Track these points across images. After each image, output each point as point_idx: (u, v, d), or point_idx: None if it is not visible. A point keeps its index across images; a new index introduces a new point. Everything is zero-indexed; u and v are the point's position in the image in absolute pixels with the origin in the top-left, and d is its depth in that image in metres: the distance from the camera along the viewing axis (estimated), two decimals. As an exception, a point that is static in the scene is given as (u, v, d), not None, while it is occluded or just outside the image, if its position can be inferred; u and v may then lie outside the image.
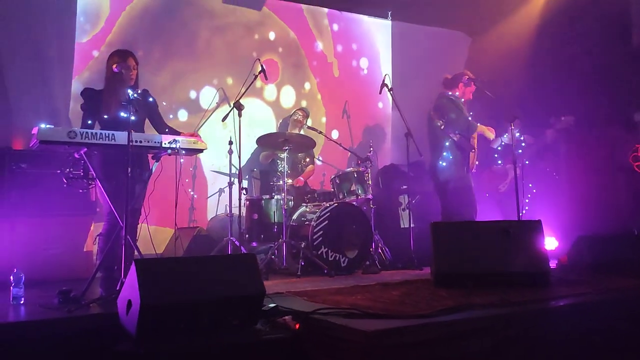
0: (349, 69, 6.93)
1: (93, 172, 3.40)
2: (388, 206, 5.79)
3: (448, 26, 7.11)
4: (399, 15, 6.93)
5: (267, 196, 5.05)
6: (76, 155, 3.40)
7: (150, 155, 3.75)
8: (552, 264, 4.02)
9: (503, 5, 6.48)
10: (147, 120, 3.87)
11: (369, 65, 7.04)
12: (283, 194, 4.74)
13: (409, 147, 5.12)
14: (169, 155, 3.60)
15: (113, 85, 3.62)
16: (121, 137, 3.33)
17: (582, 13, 5.91)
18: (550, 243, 5.41)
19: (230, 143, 4.77)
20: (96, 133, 3.32)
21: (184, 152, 3.59)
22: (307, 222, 4.74)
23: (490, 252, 3.55)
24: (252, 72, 4.85)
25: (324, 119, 6.70)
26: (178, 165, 3.94)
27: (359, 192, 4.99)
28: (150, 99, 3.81)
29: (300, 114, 5.70)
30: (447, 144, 5.08)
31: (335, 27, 6.84)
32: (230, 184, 4.84)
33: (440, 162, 5.10)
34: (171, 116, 5.64)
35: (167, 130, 3.80)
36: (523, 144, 5.72)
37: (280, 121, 6.28)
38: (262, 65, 4.78)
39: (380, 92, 5.35)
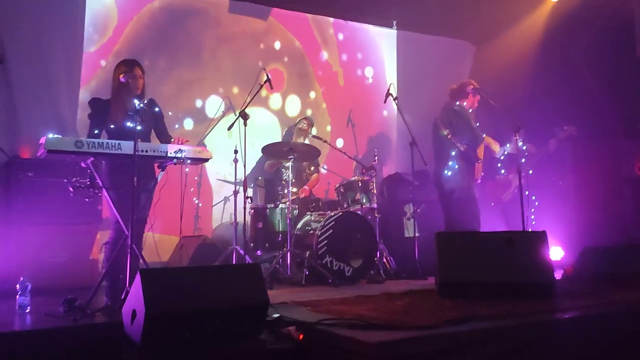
0: (354, 78, 6.95)
1: (100, 181, 3.43)
2: (393, 215, 5.77)
3: (453, 35, 7.12)
4: (404, 24, 6.94)
5: (272, 205, 5.07)
6: (83, 165, 3.43)
7: (155, 165, 3.77)
8: (558, 275, 4.00)
9: (508, 14, 6.48)
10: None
11: (374, 74, 7.06)
12: (288, 203, 4.76)
13: (414, 156, 5.12)
14: (175, 164, 3.63)
15: (120, 94, 3.65)
16: (127, 146, 3.36)
17: (587, 23, 5.91)
18: (556, 253, 5.39)
19: (236, 152, 4.80)
20: (103, 142, 3.35)
21: (189, 161, 3.63)
22: (312, 231, 4.74)
23: (495, 263, 3.52)
24: (257, 82, 4.88)
25: (328, 128, 6.71)
26: (183, 175, 3.96)
27: (364, 201, 5.00)
28: (157, 109, 3.84)
29: (305, 122, 5.72)
30: (453, 153, 5.08)
31: (341, 36, 6.87)
32: (236, 193, 4.86)
33: (446, 172, 5.10)
34: (177, 125, 5.67)
35: (172, 140, 3.81)
36: (526, 154, 5.72)
37: (285, 130, 6.30)
38: (267, 75, 4.81)
39: (385, 101, 5.36)
